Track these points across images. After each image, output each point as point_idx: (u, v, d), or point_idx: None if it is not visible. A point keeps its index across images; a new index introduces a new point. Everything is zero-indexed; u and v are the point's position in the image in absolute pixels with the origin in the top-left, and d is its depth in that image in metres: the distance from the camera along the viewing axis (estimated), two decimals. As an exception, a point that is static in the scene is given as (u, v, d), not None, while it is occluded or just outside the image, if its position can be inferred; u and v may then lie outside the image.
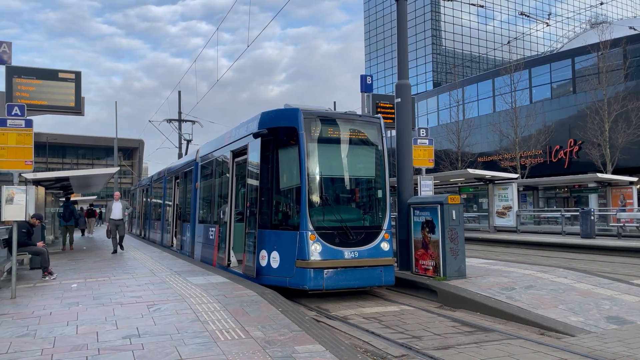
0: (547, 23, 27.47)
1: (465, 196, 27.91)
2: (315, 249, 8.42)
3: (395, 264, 9.95)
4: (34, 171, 10.81)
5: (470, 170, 24.29)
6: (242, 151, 10.50)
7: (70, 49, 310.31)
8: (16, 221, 8.24)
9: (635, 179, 24.73)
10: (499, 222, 24.77)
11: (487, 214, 25.82)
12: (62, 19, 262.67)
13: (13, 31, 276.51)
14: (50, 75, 10.33)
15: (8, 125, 8.17)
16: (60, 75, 10.37)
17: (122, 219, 15.81)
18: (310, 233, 8.44)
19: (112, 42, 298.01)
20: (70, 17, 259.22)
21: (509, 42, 43.34)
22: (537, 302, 7.55)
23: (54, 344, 5.33)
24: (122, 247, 16.09)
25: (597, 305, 7.39)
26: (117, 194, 16.29)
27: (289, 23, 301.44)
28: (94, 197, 47.67)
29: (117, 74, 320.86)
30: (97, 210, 36.90)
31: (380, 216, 9.25)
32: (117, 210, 15.73)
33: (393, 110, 11.49)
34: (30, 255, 11.13)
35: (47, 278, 10.04)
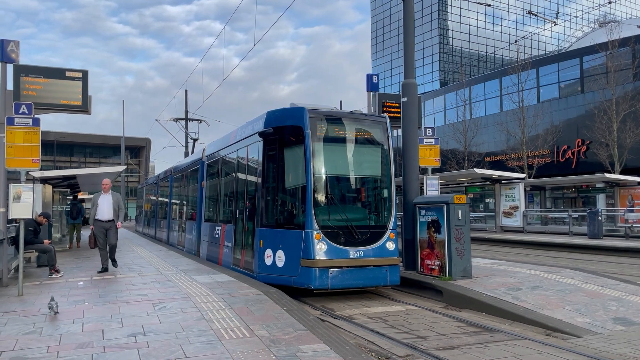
0: (554, 22, 27.30)
1: (471, 196, 27.81)
2: (321, 249, 8.41)
3: (401, 263, 9.94)
4: (41, 169, 10.87)
5: (477, 170, 24.20)
6: (248, 150, 10.52)
7: (84, 49, 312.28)
8: (23, 219, 8.29)
9: (643, 179, 24.55)
10: (505, 222, 24.68)
11: (493, 213, 25.73)
12: (77, 18, 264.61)
13: (29, 30, 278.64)
14: (57, 74, 10.37)
15: (16, 123, 8.22)
16: (68, 74, 10.41)
17: (112, 220, 10.64)
18: (315, 232, 8.44)
19: (126, 42, 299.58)
20: (86, 16, 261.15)
21: (516, 42, 43.03)
22: (544, 302, 7.51)
23: (59, 342, 5.35)
24: (114, 263, 10.98)
25: (603, 306, 7.34)
26: (106, 182, 10.87)
27: (302, 23, 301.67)
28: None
29: (130, 74, 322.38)
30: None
31: (385, 216, 9.24)
32: (105, 206, 10.59)
33: (399, 110, 11.46)
34: (37, 253, 11.20)
35: (53, 276, 10.10)
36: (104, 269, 10.67)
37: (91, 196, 12.16)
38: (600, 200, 26.82)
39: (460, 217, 9.08)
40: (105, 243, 10.70)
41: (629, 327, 6.56)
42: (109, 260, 10.90)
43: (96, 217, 10.60)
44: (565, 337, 6.25)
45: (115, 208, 10.69)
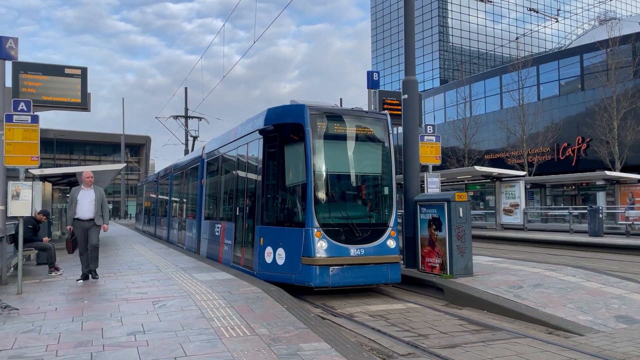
0: (556, 19, 27.22)
1: (472, 193, 27.77)
2: (321, 246, 8.38)
3: (402, 261, 9.90)
4: (41, 167, 10.83)
5: (478, 168, 24.14)
6: (248, 148, 10.47)
7: (86, 46, 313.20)
8: (22, 217, 8.25)
9: (644, 176, 24.51)
10: (505, 219, 24.63)
11: (493, 211, 25.69)
12: (79, 16, 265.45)
13: (30, 28, 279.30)
14: (56, 71, 10.34)
15: (14, 121, 8.18)
16: (67, 71, 10.38)
17: (94, 219, 9.10)
18: (316, 230, 8.40)
19: (128, 40, 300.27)
20: (88, 14, 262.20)
21: (517, 39, 42.96)
22: (545, 300, 7.47)
23: (58, 340, 5.31)
24: (94, 274, 9.26)
25: (606, 304, 7.30)
26: (89, 175, 9.31)
27: (304, 20, 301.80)
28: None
29: (131, 71, 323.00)
30: None
31: (386, 213, 9.20)
32: (86, 203, 9.08)
33: (400, 107, 11.41)
34: (36, 251, 11.17)
35: (53, 274, 10.06)
36: (84, 276, 9.18)
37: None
38: (601, 197, 26.80)
39: (461, 215, 9.04)
40: (86, 247, 9.11)
41: (632, 325, 6.52)
42: (89, 270, 9.24)
43: (75, 216, 9.08)
44: (567, 336, 6.21)
45: (98, 206, 9.13)
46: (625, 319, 6.75)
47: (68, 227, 9.24)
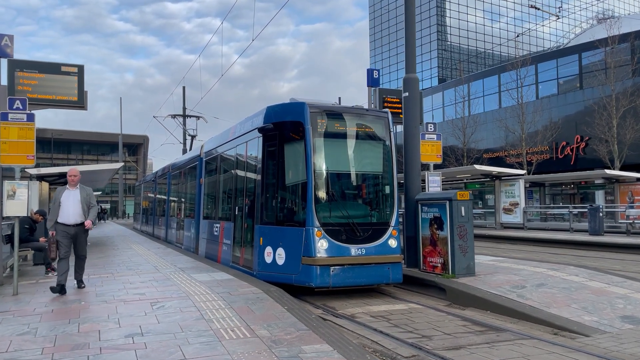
0: (557, 16, 27.16)
1: (471, 192, 27.66)
2: (322, 246, 8.27)
3: (403, 261, 9.80)
4: (38, 167, 10.69)
5: (477, 167, 24.04)
6: (247, 146, 10.36)
7: (85, 46, 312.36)
8: (18, 217, 8.12)
9: (643, 175, 24.46)
10: (505, 218, 24.55)
11: (493, 210, 25.60)
12: (78, 15, 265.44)
13: (29, 28, 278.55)
14: (53, 68, 10.21)
15: (10, 119, 8.05)
16: (63, 68, 10.25)
17: (81, 225, 8.03)
18: (316, 229, 8.29)
19: (127, 39, 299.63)
20: (87, 14, 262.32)
21: (517, 37, 42.88)
22: (549, 300, 7.37)
23: (54, 343, 5.19)
24: (80, 283, 8.35)
25: (611, 304, 7.20)
26: (74, 172, 8.23)
27: (303, 20, 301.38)
28: (99, 192, 47.65)
29: (130, 71, 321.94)
30: None
31: (387, 212, 9.09)
32: (71, 205, 7.97)
33: (400, 105, 11.31)
34: (33, 251, 11.03)
35: (50, 274, 9.94)
36: (60, 287, 7.81)
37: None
38: (600, 196, 26.76)
39: (463, 214, 8.93)
40: (68, 252, 7.96)
41: (638, 325, 6.42)
42: (74, 278, 8.34)
43: (59, 220, 7.92)
44: (573, 336, 6.11)
45: (85, 207, 8.05)
46: (631, 319, 6.65)
47: (50, 232, 7.98)
